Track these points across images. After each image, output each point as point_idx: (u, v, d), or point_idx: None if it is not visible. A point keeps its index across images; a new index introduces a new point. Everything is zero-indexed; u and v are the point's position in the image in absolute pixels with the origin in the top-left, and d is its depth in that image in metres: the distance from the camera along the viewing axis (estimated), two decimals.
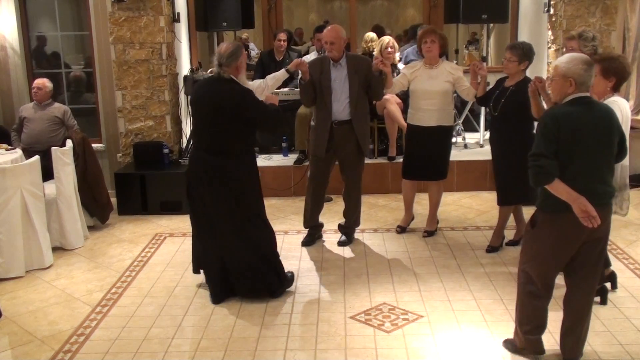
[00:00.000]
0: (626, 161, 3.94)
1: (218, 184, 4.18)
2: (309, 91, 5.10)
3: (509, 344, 3.70)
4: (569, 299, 3.48)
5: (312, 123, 5.30)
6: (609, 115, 3.28)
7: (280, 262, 4.52)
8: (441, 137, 5.37)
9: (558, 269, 3.44)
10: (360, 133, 5.18)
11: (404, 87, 5.39)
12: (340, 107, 5.11)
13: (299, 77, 5.18)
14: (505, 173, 5.04)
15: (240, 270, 4.33)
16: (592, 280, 3.44)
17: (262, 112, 4.23)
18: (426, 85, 5.26)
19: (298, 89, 5.41)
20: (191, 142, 4.36)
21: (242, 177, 4.24)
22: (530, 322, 3.52)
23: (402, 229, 5.71)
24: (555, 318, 3.62)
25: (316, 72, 5.11)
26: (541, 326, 3.54)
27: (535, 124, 4.91)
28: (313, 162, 5.34)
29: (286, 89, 6.86)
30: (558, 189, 3.17)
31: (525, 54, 4.87)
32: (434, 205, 5.63)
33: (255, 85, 4.84)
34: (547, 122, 3.22)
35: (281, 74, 5.06)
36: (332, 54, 5.05)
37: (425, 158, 5.40)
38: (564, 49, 4.63)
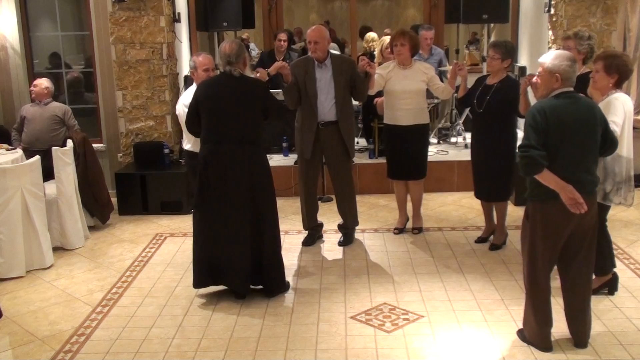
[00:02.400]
0: (630, 154, 4.04)
1: (242, 170, 4.26)
2: (292, 93, 5.11)
3: (521, 334, 3.81)
4: (568, 288, 3.64)
5: (297, 124, 5.29)
6: (592, 109, 3.47)
7: (282, 263, 4.54)
8: (418, 135, 5.44)
9: (553, 257, 3.56)
10: (346, 133, 5.20)
11: (381, 86, 5.43)
12: (326, 108, 5.12)
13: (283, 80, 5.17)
14: (487, 169, 5.11)
15: (269, 261, 4.39)
16: (587, 266, 3.61)
17: (275, 101, 4.54)
18: (402, 85, 5.32)
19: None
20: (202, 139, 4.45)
21: (263, 164, 4.41)
22: (539, 315, 3.62)
23: (399, 231, 5.72)
24: (558, 308, 3.71)
25: (300, 73, 5.12)
26: (548, 320, 3.64)
27: (519, 120, 5.02)
28: (301, 164, 5.36)
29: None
30: (547, 178, 3.35)
31: (508, 51, 4.96)
32: (417, 203, 5.69)
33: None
34: (535, 115, 3.39)
35: (260, 76, 5.14)
36: (316, 54, 5.05)
37: (405, 157, 5.46)
38: (561, 49, 4.68)
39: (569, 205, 3.33)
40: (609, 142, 3.55)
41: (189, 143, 4.94)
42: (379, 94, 5.65)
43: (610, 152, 3.66)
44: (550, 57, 3.49)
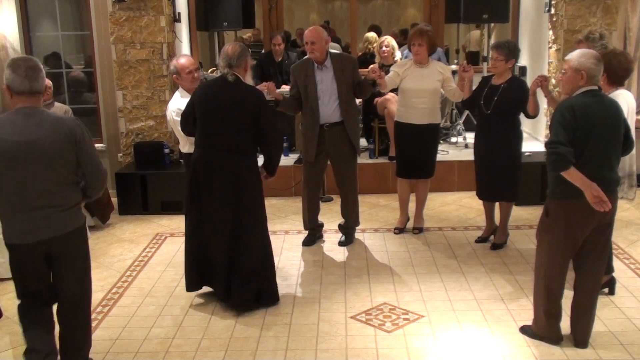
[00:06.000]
0: (633, 150, 4.02)
1: (227, 179, 4.13)
2: (288, 106, 5.13)
3: (526, 330, 3.84)
4: (580, 284, 3.66)
5: (300, 128, 5.28)
6: (617, 108, 3.51)
7: (274, 271, 4.41)
8: (431, 134, 5.44)
9: (572, 254, 3.59)
10: (352, 132, 5.19)
11: (396, 85, 5.42)
12: (330, 109, 5.09)
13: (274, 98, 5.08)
14: (494, 170, 5.11)
15: (243, 273, 4.21)
16: (600, 264, 3.66)
17: (271, 120, 4.28)
18: (418, 83, 5.31)
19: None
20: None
21: (251, 174, 4.23)
22: (550, 309, 3.66)
23: (400, 230, 5.71)
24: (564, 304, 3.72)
25: (300, 76, 5.09)
26: (560, 313, 3.69)
27: (522, 119, 5.01)
28: (305, 166, 5.35)
29: (285, 89, 6.85)
30: (573, 175, 3.35)
31: (512, 52, 4.94)
32: (422, 203, 5.70)
33: None
34: (563, 112, 3.39)
35: None
36: (313, 54, 5.02)
37: (416, 156, 5.47)
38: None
39: (593, 203, 3.34)
40: (628, 142, 3.60)
41: (185, 145, 4.81)
42: (381, 93, 5.64)
43: (627, 153, 3.69)
44: (577, 55, 3.49)
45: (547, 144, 3.41)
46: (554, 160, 3.35)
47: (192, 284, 4.39)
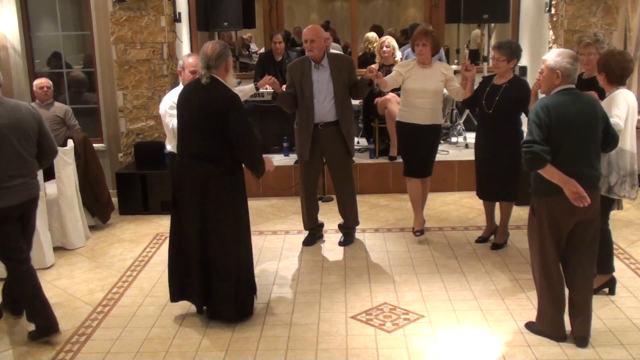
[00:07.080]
0: (634, 149, 4.09)
1: (194, 187, 3.93)
2: (285, 101, 5.14)
3: (531, 327, 3.86)
4: (570, 281, 3.69)
5: (296, 126, 5.29)
6: (593, 105, 3.56)
7: (233, 288, 4.05)
8: (433, 135, 5.43)
9: (559, 249, 3.64)
10: (346, 133, 5.19)
11: (398, 84, 5.40)
12: (325, 109, 5.10)
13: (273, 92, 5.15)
14: (495, 169, 5.10)
15: (214, 285, 4.04)
16: (589, 261, 3.67)
17: (241, 124, 3.90)
18: (421, 84, 5.29)
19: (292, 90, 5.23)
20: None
21: (219, 184, 3.93)
22: (554, 297, 3.68)
23: (421, 232, 5.49)
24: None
25: (297, 75, 5.10)
26: (563, 309, 3.71)
27: (524, 119, 5.03)
28: (301, 166, 5.36)
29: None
30: (550, 173, 3.44)
31: (513, 52, 4.95)
32: (423, 201, 5.66)
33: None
34: (538, 111, 3.48)
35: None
36: (312, 52, 5.02)
37: (418, 156, 5.44)
38: (582, 57, 4.47)
39: (573, 199, 3.41)
40: (609, 138, 3.62)
41: (169, 143, 4.95)
42: (382, 93, 5.62)
43: (611, 148, 3.72)
44: (553, 54, 3.56)
45: (523, 143, 3.48)
46: (529, 159, 3.43)
47: (173, 295, 4.19)
